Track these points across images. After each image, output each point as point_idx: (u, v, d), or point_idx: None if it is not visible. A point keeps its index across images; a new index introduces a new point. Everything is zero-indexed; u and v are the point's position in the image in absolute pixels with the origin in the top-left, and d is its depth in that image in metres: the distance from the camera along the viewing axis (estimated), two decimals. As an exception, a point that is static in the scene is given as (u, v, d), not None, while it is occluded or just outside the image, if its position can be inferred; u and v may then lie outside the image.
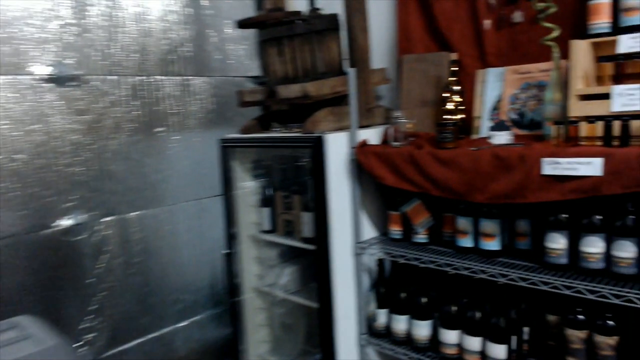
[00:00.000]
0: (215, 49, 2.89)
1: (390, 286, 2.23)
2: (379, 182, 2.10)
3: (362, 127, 2.25)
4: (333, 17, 2.35)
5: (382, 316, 2.23)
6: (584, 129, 1.68)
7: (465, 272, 1.90)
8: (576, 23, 1.92)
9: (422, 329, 2.10)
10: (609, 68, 1.77)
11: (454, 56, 2.20)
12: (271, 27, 2.36)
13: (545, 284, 1.70)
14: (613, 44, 1.77)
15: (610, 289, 1.57)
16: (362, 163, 2.12)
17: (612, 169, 1.52)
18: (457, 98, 2.20)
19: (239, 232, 2.64)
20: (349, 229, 2.24)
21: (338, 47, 2.39)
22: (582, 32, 1.88)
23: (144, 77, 2.62)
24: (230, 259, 2.62)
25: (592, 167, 1.55)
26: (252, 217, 2.67)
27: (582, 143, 1.69)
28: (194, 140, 2.83)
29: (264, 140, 2.39)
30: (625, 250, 1.61)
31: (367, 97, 2.31)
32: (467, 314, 1.98)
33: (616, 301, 1.55)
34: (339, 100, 2.35)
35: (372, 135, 2.27)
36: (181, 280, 2.82)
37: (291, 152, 2.53)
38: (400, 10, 2.44)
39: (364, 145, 2.17)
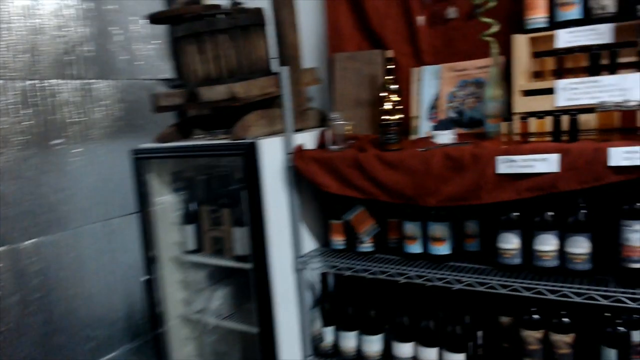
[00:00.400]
0: (120, 49, 2.57)
1: (336, 301, 2.08)
2: (321, 190, 1.94)
3: (295, 131, 2.08)
4: (258, 12, 2.16)
5: (328, 334, 2.07)
6: (533, 124, 1.65)
7: (419, 281, 1.79)
8: (512, 18, 1.89)
9: (373, 345, 1.97)
10: (549, 63, 1.76)
11: (389, 54, 2.10)
12: (189, 22, 2.11)
13: (505, 287, 1.63)
14: (550, 38, 1.76)
15: (570, 287, 1.54)
16: (301, 170, 1.95)
17: (568, 165, 1.48)
18: (394, 97, 2.09)
19: (160, 254, 2.35)
20: (288, 242, 2.06)
21: (265, 45, 2.20)
22: (519, 27, 1.85)
23: (36, 82, 2.24)
24: (151, 286, 2.32)
25: (548, 163, 1.51)
26: (173, 236, 2.38)
27: (532, 139, 1.65)
28: (99, 153, 2.48)
29: (186, 149, 2.13)
30: (579, 246, 1.59)
31: (300, 99, 2.15)
32: (421, 324, 1.87)
33: (578, 299, 1.52)
34: (269, 102, 2.16)
35: (307, 140, 2.11)
36: (91, 314, 2.45)
37: (218, 161, 2.29)
38: (329, 6, 2.30)
39: (301, 150, 2.00)
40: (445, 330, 1.82)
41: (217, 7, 2.19)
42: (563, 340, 1.67)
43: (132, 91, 2.62)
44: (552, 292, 1.56)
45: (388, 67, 2.11)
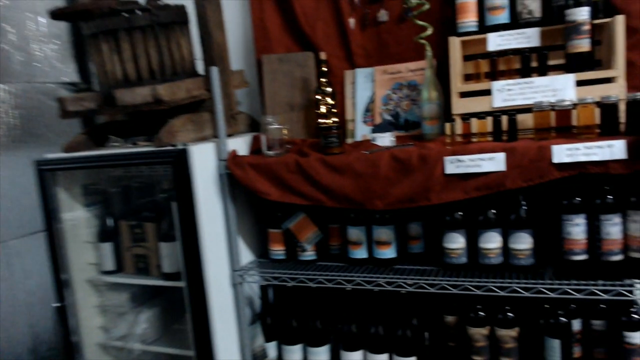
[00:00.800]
0: (14, 49, 2.25)
1: (278, 315, 1.97)
2: (261, 198, 1.83)
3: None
4: (181, 9, 2.00)
5: (271, 350, 1.95)
6: (475, 125, 1.67)
7: (369, 286, 1.74)
8: (443, 22, 1.92)
9: (320, 356, 1.89)
10: (483, 65, 1.81)
11: (323, 56, 2.04)
12: (102, 18, 1.90)
13: (455, 286, 1.63)
14: (481, 42, 1.81)
15: (518, 283, 1.57)
16: (238, 177, 1.82)
17: (514, 163, 1.52)
18: (329, 100, 2.04)
19: (72, 277, 2.08)
20: (224, 255, 1.91)
21: (189, 44, 2.05)
22: (450, 31, 1.88)
23: None
24: (64, 313, 2.04)
25: (495, 162, 1.53)
26: (88, 256, 2.13)
27: (474, 140, 1.67)
28: (-8, 166, 2.16)
29: (102, 159, 1.91)
30: (522, 242, 1.63)
31: (230, 102, 2.02)
32: (369, 330, 1.83)
33: (526, 294, 1.56)
34: (195, 106, 2.01)
35: (239, 145, 1.99)
36: (-12, 352, 2.11)
37: (138, 171, 2.08)
38: (254, 6, 2.20)
39: (236, 156, 1.88)
40: (394, 334, 1.79)
41: (134, 2, 2.00)
42: (508, 334, 1.70)
43: (29, 96, 2.30)
44: (502, 288, 1.59)
45: (322, 69, 2.06)
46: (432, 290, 1.66)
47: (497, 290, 1.59)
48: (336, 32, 2.13)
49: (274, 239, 1.96)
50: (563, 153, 1.46)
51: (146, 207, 2.08)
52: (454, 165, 1.57)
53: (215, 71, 1.85)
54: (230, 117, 2.02)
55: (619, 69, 1.59)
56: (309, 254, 1.92)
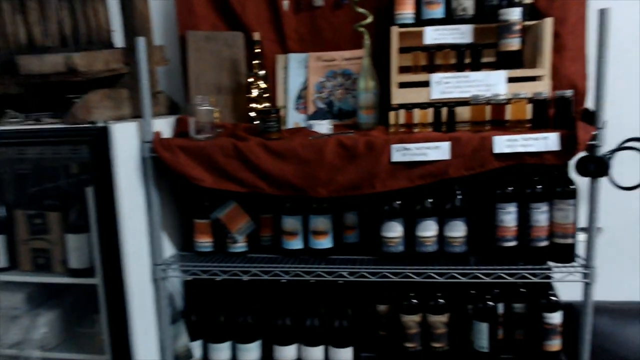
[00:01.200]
0: None
1: (203, 311, 1.82)
2: (189, 184, 1.68)
3: (141, 117, 1.76)
4: (98, -30, 1.77)
5: (197, 349, 1.80)
6: (417, 115, 1.69)
7: (308, 277, 1.68)
8: (378, 12, 1.92)
9: (251, 353, 1.79)
10: (421, 58, 1.84)
11: (257, 36, 1.94)
12: (1, -29, 1.62)
13: (396, 274, 1.64)
14: (416, 35, 1.83)
15: (455, 269, 1.62)
16: (167, 161, 1.66)
17: (457, 153, 1.56)
18: (262, 84, 1.95)
19: (-51, 275, 1.75)
20: (145, 248, 1.73)
21: (106, 11, 1.82)
22: (385, 21, 1.89)
23: None
24: (-61, 320, 1.71)
25: (440, 151, 1.56)
26: (-29, 250, 1.80)
27: (415, 130, 1.70)
28: None
29: (4, 136, 1.62)
30: (456, 230, 1.68)
31: (152, 80, 1.83)
32: (303, 323, 1.77)
33: (464, 279, 1.61)
34: (112, 81, 1.80)
35: (161, 127, 1.81)
36: None
37: (39, 152, 1.80)
38: (177, -23, 2.02)
39: (165, 139, 1.71)
40: (329, 326, 1.76)
41: (40, -44, 1.73)
42: (440, 320, 1.75)
43: None
44: (441, 275, 1.62)
45: (255, 51, 1.95)
46: (373, 279, 1.65)
47: (437, 277, 1.62)
48: (268, 14, 2.03)
49: (201, 229, 1.82)
50: (503, 144, 1.53)
51: (48, 195, 1.81)
52: (401, 153, 1.58)
53: (142, 42, 1.67)
54: (152, 96, 1.83)
55: (545, 68, 1.71)
56: (240, 246, 1.81)
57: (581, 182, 1.59)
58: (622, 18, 1.79)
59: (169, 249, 1.85)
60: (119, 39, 1.86)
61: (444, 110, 1.68)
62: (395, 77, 1.77)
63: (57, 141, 1.61)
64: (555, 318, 1.68)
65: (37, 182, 1.86)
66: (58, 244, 1.75)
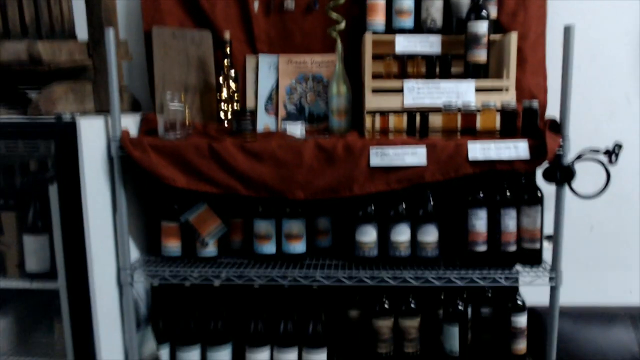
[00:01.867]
0: None
1: (171, 316, 1.75)
2: (158, 185, 1.62)
3: (105, 112, 1.69)
4: (63, -43, 1.68)
5: (164, 355, 1.73)
6: (392, 121, 1.72)
7: (283, 282, 1.65)
8: (349, 19, 1.93)
9: (221, 357, 1.73)
10: (393, 65, 1.87)
11: (227, 35, 1.90)
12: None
13: (372, 279, 1.65)
14: (387, 43, 1.86)
15: (430, 272, 1.64)
16: (137, 160, 1.59)
17: (434, 158, 1.59)
18: (232, 85, 1.91)
19: None
20: (111, 251, 1.64)
21: (68, 0, 1.72)
22: (356, 28, 1.91)
23: None
24: None
25: (418, 156, 1.59)
26: None
27: (390, 136, 1.72)
28: None
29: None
30: (429, 234, 1.72)
31: (119, 75, 1.75)
32: (277, 326, 1.74)
33: (438, 283, 1.64)
34: (75, 74, 1.71)
35: (127, 125, 1.73)
36: None
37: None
38: (143, -30, 1.95)
39: (135, 137, 1.63)
40: (303, 330, 1.73)
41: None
42: (412, 324, 1.78)
43: None
44: (416, 279, 1.65)
45: (226, 50, 1.92)
46: (349, 283, 1.65)
47: (412, 281, 1.64)
48: (238, 14, 2.00)
49: (169, 233, 1.75)
50: (477, 151, 1.58)
51: (2, 193, 1.68)
52: (379, 157, 1.59)
53: (110, 33, 1.59)
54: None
55: (510, 79, 1.79)
56: (210, 250, 1.75)
57: (546, 190, 1.68)
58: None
59: (134, 253, 1.77)
60: (81, 31, 1.77)
61: (418, 117, 1.72)
62: (369, 83, 1.79)
63: (20, 135, 1.50)
64: (522, 321, 1.74)
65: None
66: (13, 245, 1.62)
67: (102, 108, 1.74)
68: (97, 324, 1.54)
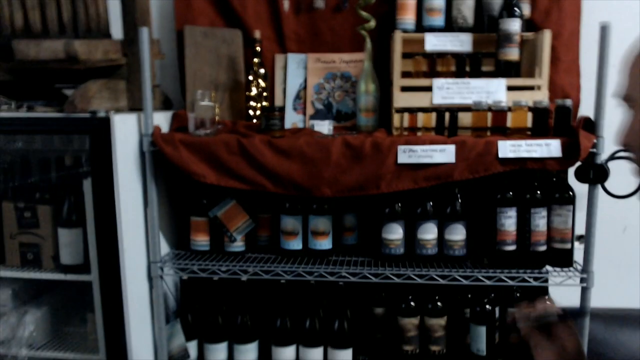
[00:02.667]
0: None
1: (200, 311, 1.78)
2: (189, 181, 1.65)
3: (138, 110, 1.73)
4: (100, -42, 1.73)
5: (192, 350, 1.76)
6: (421, 118, 1.71)
7: (309, 277, 1.66)
8: (378, 17, 1.93)
9: (248, 354, 1.75)
10: (423, 63, 1.86)
11: (257, 34, 1.92)
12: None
13: (398, 276, 1.64)
14: (417, 41, 1.86)
15: (457, 271, 1.63)
16: (169, 156, 1.62)
17: (462, 156, 1.58)
18: (261, 83, 1.93)
19: None
20: (142, 245, 1.68)
21: (104, 0, 1.77)
22: (385, 27, 1.91)
23: None
24: None
25: (446, 154, 1.58)
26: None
27: (418, 133, 1.71)
28: None
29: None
30: (456, 233, 1.71)
31: (151, 73, 1.79)
32: (303, 324, 1.75)
33: (465, 282, 1.63)
34: (110, 72, 1.75)
35: (159, 121, 1.77)
36: None
37: (27, 142, 1.73)
38: (177, -30, 1.99)
39: (167, 133, 1.67)
40: (329, 328, 1.74)
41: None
42: (438, 323, 1.76)
43: None
44: (443, 277, 1.64)
45: (256, 49, 1.94)
46: (375, 280, 1.64)
47: (439, 279, 1.63)
48: (268, 13, 2.02)
49: (198, 228, 1.78)
50: (508, 149, 1.56)
51: (39, 187, 1.73)
52: (407, 154, 1.59)
53: (145, 32, 1.63)
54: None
55: (543, 78, 1.76)
56: (238, 245, 1.77)
57: (578, 189, 1.65)
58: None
59: (163, 247, 1.80)
60: (116, 30, 1.81)
61: (447, 115, 1.71)
62: (398, 81, 1.79)
63: (57, 131, 1.55)
64: (550, 322, 1.71)
65: (27, 173, 1.78)
66: (48, 238, 1.67)
67: (135, 106, 1.78)
68: (128, 317, 1.58)
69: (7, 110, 1.64)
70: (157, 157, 1.67)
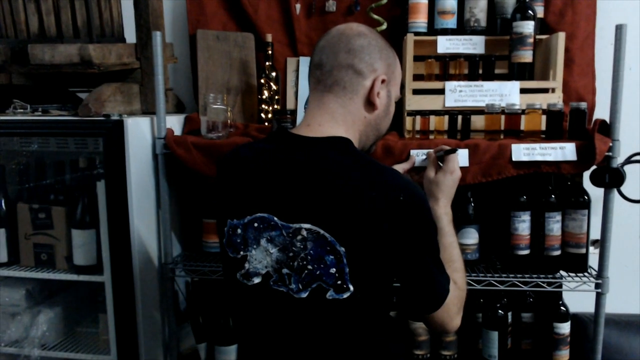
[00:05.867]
0: None
1: (210, 313, 1.78)
2: (200, 183, 1.66)
3: (151, 113, 1.74)
4: (114, -37, 1.75)
5: (202, 352, 1.76)
6: (433, 122, 1.70)
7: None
8: (389, 20, 1.93)
9: (258, 357, 1.75)
10: (435, 66, 1.85)
11: (269, 38, 1.93)
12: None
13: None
14: (429, 43, 1.85)
15: (469, 276, 1.60)
16: (181, 158, 1.63)
17: (476, 160, 1.57)
18: (273, 86, 1.94)
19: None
20: (154, 246, 1.69)
21: (118, 5, 1.79)
22: (396, 30, 1.90)
23: None
24: None
25: (459, 157, 1.56)
26: (-31, 244, 1.73)
27: (431, 136, 1.70)
28: None
29: (9, 126, 1.58)
30: (469, 237, 1.69)
31: (164, 76, 1.80)
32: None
33: (478, 287, 1.61)
34: (123, 76, 1.77)
35: (172, 125, 1.78)
36: None
37: (42, 144, 1.75)
38: (189, -26, 2.00)
39: (179, 136, 1.68)
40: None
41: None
42: (449, 328, 1.75)
43: None
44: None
45: (267, 52, 1.95)
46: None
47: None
48: (280, 16, 2.03)
49: (210, 229, 1.78)
50: (521, 152, 1.54)
51: (53, 189, 1.76)
52: (419, 158, 1.58)
53: (158, 36, 1.64)
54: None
55: (557, 80, 1.74)
56: (249, 247, 1.77)
57: (593, 193, 1.62)
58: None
59: (175, 248, 1.81)
60: (129, 34, 1.83)
61: (460, 118, 1.69)
62: (410, 84, 1.78)
63: (71, 133, 1.57)
64: (565, 328, 1.69)
65: (41, 175, 1.80)
66: (62, 239, 1.69)
67: (148, 109, 1.80)
68: (139, 318, 1.59)
69: (23, 114, 1.67)
70: (169, 160, 1.68)
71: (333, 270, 0.97)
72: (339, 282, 0.98)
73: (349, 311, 0.99)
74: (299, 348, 1.04)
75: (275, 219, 1.00)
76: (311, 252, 0.98)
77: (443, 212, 1.29)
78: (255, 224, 1.02)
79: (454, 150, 1.39)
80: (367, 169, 1.02)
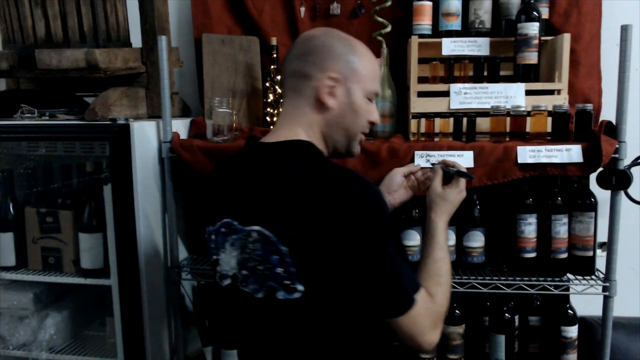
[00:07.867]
0: None
1: (217, 317, 1.79)
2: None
3: (157, 117, 1.75)
4: (120, -31, 1.76)
5: (209, 355, 1.76)
6: (438, 124, 1.70)
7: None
8: (394, 23, 1.93)
9: (264, 361, 1.75)
10: (440, 68, 1.85)
11: (274, 41, 1.94)
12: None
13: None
14: (433, 46, 1.84)
15: (476, 279, 1.61)
16: (187, 162, 1.64)
17: (481, 162, 1.56)
18: (279, 89, 1.94)
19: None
20: (160, 250, 1.70)
21: (124, 9, 1.81)
22: (401, 32, 1.91)
23: None
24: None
25: (464, 160, 1.56)
26: (-24, 249, 1.75)
27: (436, 139, 1.70)
28: None
29: (17, 131, 1.59)
30: (475, 240, 1.68)
31: (170, 81, 1.81)
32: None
33: (484, 290, 1.60)
34: (129, 80, 1.78)
35: (178, 129, 1.79)
36: None
37: (49, 149, 1.77)
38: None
39: (185, 140, 1.69)
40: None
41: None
42: (456, 331, 1.74)
43: None
44: (461, 284, 1.62)
45: (273, 56, 1.95)
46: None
47: (457, 287, 1.61)
48: (284, 20, 2.04)
49: (216, 233, 1.79)
50: (527, 154, 1.54)
51: (60, 193, 1.77)
52: (424, 160, 1.58)
53: (163, 40, 1.65)
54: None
55: (563, 82, 1.73)
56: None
57: (600, 195, 1.61)
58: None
59: (181, 252, 1.82)
60: (135, 39, 1.84)
61: (465, 120, 1.69)
62: (415, 87, 1.78)
63: (78, 137, 1.58)
64: (573, 332, 1.68)
65: (49, 179, 1.81)
66: (70, 243, 1.70)
67: (154, 113, 1.81)
68: (146, 321, 1.60)
69: (30, 119, 1.68)
70: (175, 163, 1.69)
71: (279, 270, 0.99)
72: (287, 281, 0.99)
73: (303, 311, 1.00)
74: (264, 346, 1.09)
75: (235, 223, 1.05)
76: (259, 252, 1.01)
77: (442, 227, 1.26)
78: (222, 229, 1.08)
79: (470, 177, 1.32)
80: (317, 169, 1.03)
